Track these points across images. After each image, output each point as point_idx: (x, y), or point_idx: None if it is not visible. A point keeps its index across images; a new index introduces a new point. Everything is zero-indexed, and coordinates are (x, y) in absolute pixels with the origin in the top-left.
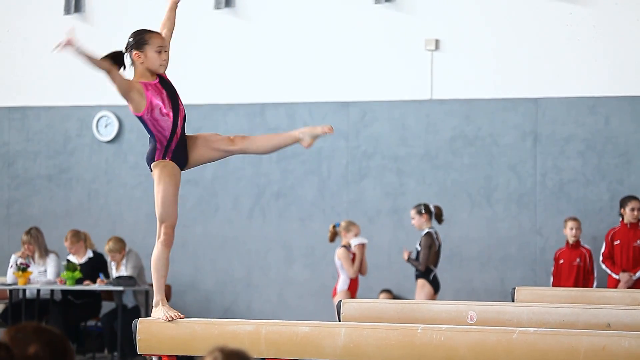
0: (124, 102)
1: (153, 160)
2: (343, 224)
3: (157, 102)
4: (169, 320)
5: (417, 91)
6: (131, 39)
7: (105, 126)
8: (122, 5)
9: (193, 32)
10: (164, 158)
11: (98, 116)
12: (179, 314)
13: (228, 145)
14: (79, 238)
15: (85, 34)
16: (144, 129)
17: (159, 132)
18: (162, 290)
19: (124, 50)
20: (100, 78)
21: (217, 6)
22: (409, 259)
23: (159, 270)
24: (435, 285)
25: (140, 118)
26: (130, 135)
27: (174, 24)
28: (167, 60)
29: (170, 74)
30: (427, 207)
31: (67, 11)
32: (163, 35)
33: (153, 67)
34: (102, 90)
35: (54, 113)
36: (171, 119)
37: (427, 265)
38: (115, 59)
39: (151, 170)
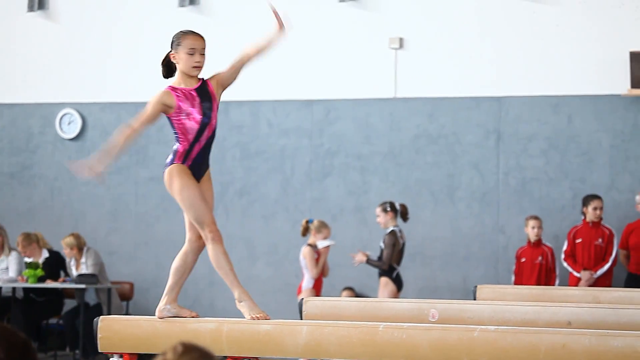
0: (87, 99)
1: (172, 163)
2: (316, 223)
3: (186, 107)
4: (254, 319)
5: (381, 89)
6: (174, 38)
7: (69, 123)
8: (86, 3)
9: (157, 30)
10: (183, 163)
11: (61, 113)
12: (265, 314)
13: (193, 234)
14: (30, 240)
15: (49, 32)
16: (171, 130)
17: (183, 134)
18: (238, 283)
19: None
20: (64, 74)
21: (182, 4)
22: (368, 261)
23: (223, 267)
24: (398, 283)
25: (168, 118)
26: (94, 133)
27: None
28: (200, 62)
29: (134, 71)
30: (392, 205)
31: (30, 8)
32: (224, 73)
33: (185, 69)
34: (66, 88)
35: (17, 110)
36: (198, 126)
37: (390, 264)
38: (165, 61)
39: (163, 172)
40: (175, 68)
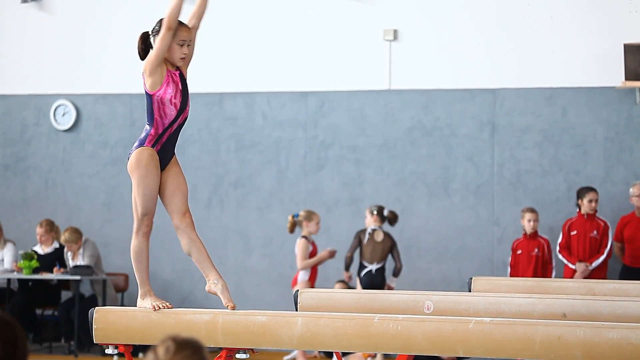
0: (81, 91)
1: (142, 145)
2: (303, 213)
3: (172, 90)
4: (156, 310)
5: (376, 81)
6: (157, 26)
7: (63, 115)
8: None
9: (153, 21)
10: (153, 147)
11: (55, 105)
12: (167, 303)
13: (178, 217)
14: (52, 228)
15: (43, 23)
16: (146, 110)
17: (161, 117)
18: (147, 281)
19: (149, 33)
20: (58, 66)
21: None
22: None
23: (142, 262)
24: (362, 282)
25: (150, 97)
26: (88, 124)
27: (205, 11)
28: (188, 55)
29: (129, 63)
30: (380, 209)
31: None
32: (191, 25)
33: (173, 59)
34: (60, 79)
35: (11, 101)
36: (175, 112)
37: (360, 261)
38: (144, 40)
39: (129, 155)
40: (151, 47)
